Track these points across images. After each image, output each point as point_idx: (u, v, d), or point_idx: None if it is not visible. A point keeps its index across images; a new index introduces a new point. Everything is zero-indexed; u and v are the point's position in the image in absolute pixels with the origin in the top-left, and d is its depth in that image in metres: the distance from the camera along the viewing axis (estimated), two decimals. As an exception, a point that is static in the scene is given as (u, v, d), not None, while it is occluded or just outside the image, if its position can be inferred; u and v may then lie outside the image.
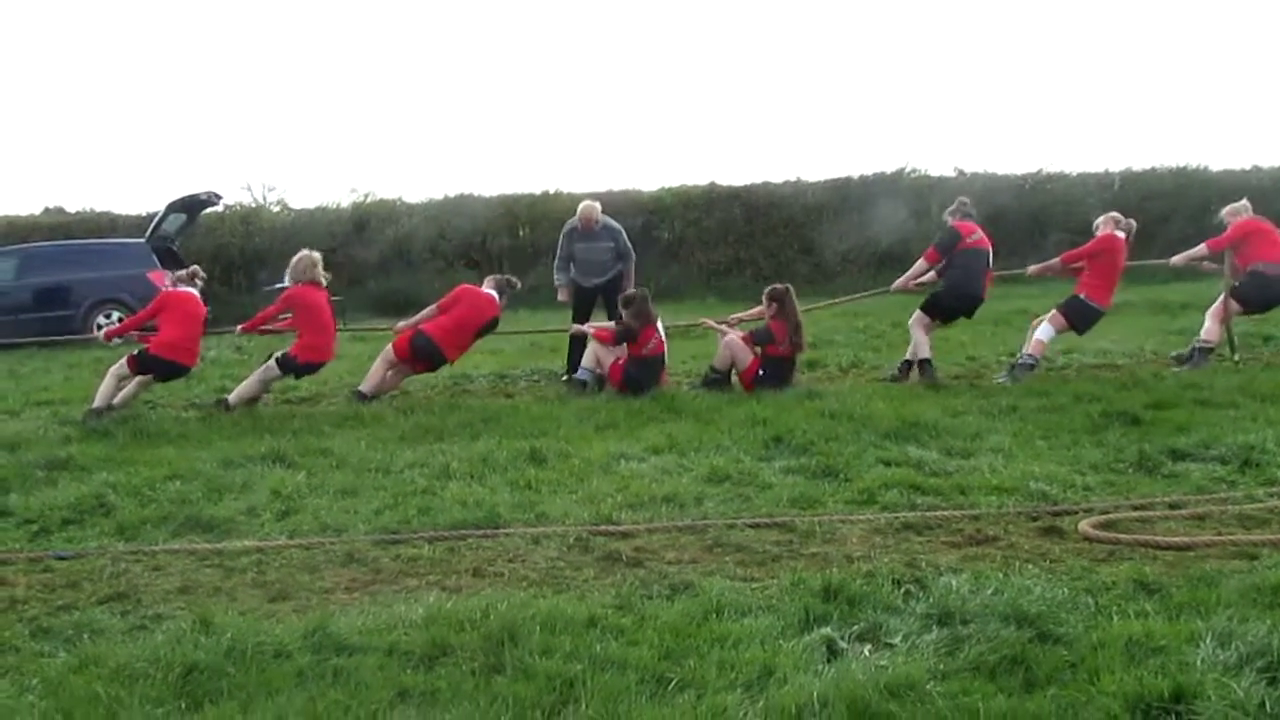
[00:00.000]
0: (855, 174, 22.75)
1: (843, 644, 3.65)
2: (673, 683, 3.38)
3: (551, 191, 22.83)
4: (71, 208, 23.70)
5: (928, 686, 3.24)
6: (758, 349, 9.52)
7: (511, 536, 5.25)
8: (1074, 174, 22.76)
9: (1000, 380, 9.31)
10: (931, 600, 3.99)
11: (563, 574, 4.70)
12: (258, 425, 8.28)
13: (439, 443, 7.43)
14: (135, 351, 9.32)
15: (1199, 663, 3.24)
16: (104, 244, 18.98)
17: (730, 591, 4.24)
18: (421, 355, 9.61)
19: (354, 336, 14.34)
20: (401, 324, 10.10)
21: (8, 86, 48.15)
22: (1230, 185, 21.81)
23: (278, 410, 9.40)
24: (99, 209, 23.36)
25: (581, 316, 10.80)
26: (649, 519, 5.46)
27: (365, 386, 9.49)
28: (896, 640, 3.66)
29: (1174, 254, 10.58)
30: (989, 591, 4.02)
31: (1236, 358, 9.82)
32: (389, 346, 9.68)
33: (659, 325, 9.76)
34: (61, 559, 5.17)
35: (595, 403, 8.65)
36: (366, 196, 23.58)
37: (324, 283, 9.75)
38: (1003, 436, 7.02)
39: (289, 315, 9.70)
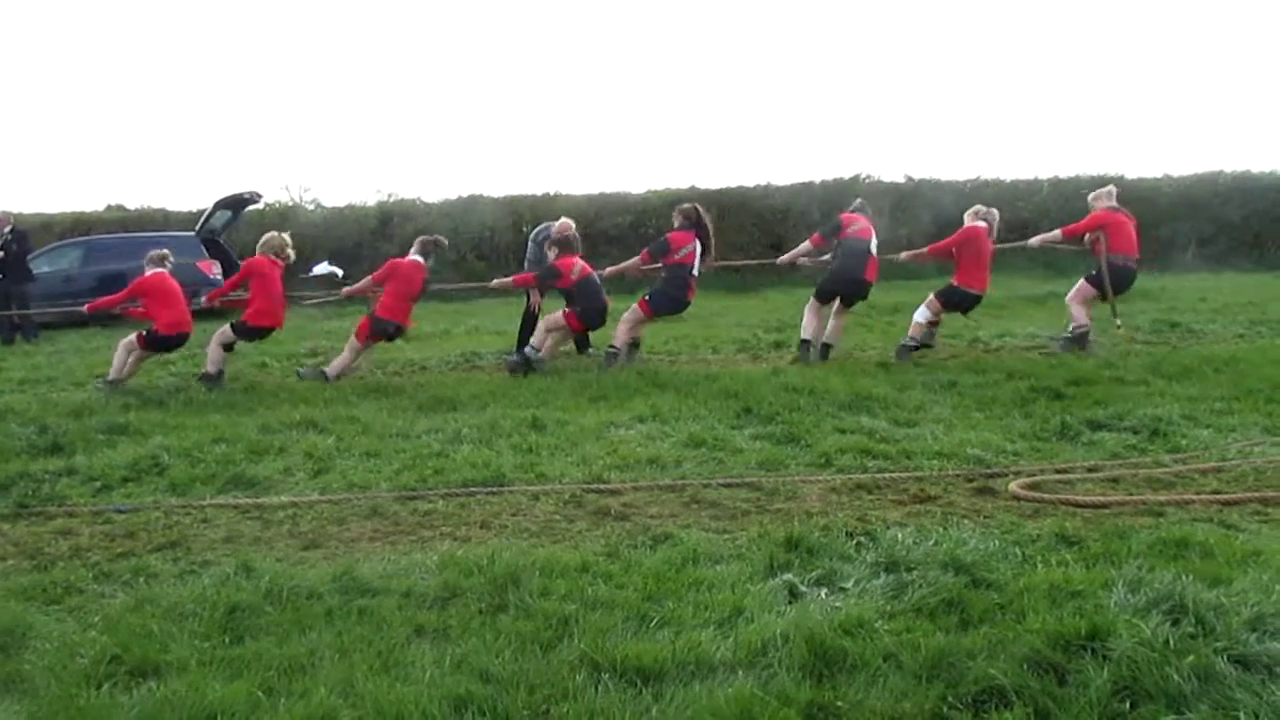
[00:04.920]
0: (817, 179, 22.67)
1: (802, 588, 3.65)
2: (654, 621, 3.38)
3: (552, 193, 22.73)
4: (130, 204, 23.49)
5: (876, 625, 3.25)
6: (659, 261, 9.63)
7: (515, 494, 5.24)
8: (1007, 180, 22.72)
9: (893, 359, 9.36)
10: (880, 550, 3.99)
11: (559, 526, 4.70)
12: (294, 396, 8.24)
13: (452, 412, 7.40)
14: (144, 331, 9.26)
15: (1112, 605, 3.24)
16: (158, 237, 18.81)
17: (705, 542, 4.24)
18: (379, 333, 9.61)
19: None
20: (346, 290, 10.30)
21: (78, 99, 47.79)
22: (1143, 191, 21.84)
23: (311, 384, 9.35)
24: (154, 206, 23.16)
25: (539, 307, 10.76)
26: (635, 479, 5.46)
27: (332, 370, 9.46)
28: (849, 585, 3.66)
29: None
30: (930, 543, 4.03)
31: (1118, 323, 9.79)
32: (352, 337, 9.63)
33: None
34: (121, 512, 5.15)
35: (589, 377, 8.62)
36: (390, 196, 23.42)
37: (287, 261, 9.70)
38: (943, 408, 7.03)
39: (244, 291, 9.59)
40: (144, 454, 6.25)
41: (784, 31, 50.82)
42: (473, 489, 5.34)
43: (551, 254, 9.86)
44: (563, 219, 11.16)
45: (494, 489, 5.33)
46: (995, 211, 9.84)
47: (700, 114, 48.82)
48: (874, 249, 9.72)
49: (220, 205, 17.91)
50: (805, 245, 10.04)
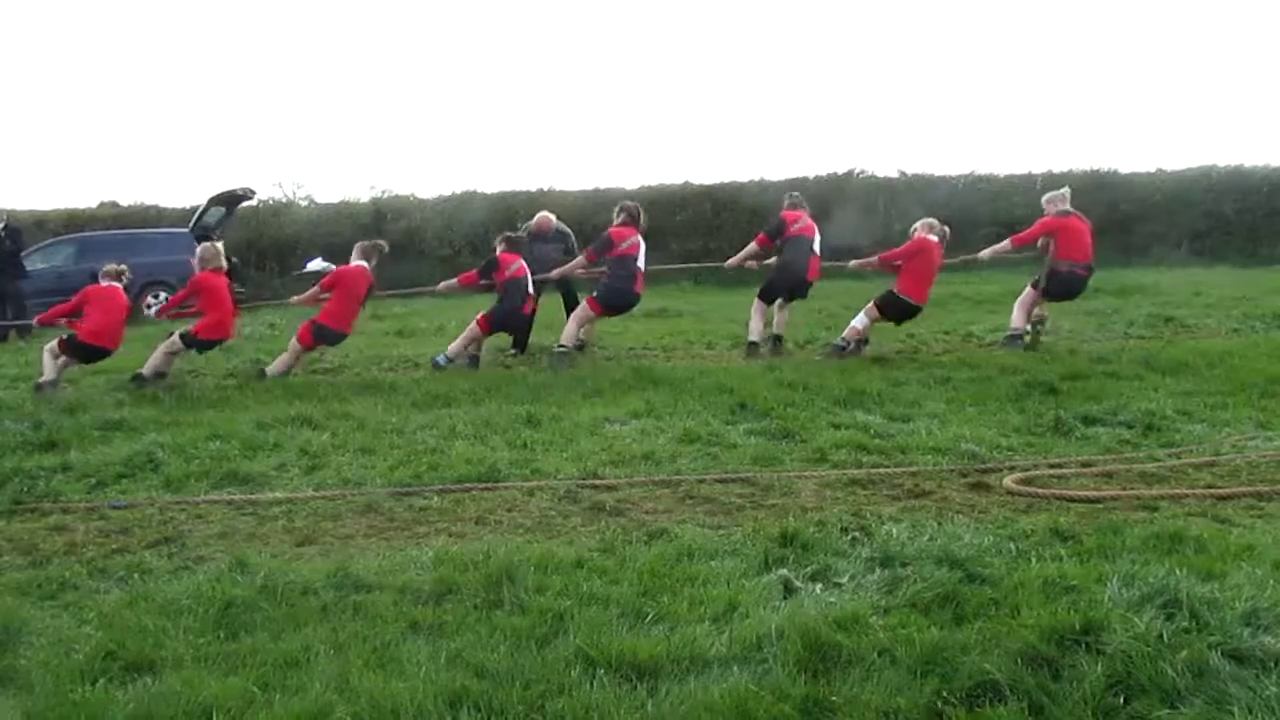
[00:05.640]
0: (811, 174, 22.64)
1: (797, 583, 3.65)
2: (650, 616, 3.38)
3: (546, 189, 22.69)
4: (124, 201, 23.41)
5: (871, 620, 3.25)
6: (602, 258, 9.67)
7: (510, 489, 5.24)
8: (1002, 175, 22.70)
9: (818, 357, 9.40)
10: (875, 545, 4.00)
11: (554, 522, 4.70)
12: (288, 392, 8.23)
13: (447, 408, 7.39)
14: (65, 336, 9.25)
15: (1106, 600, 3.24)
16: (152, 233, 18.79)
17: (700, 537, 4.24)
18: (323, 340, 9.55)
19: (372, 315, 14.27)
20: (295, 298, 10.37)
21: (71, 96, 47.67)
22: (1136, 186, 21.87)
23: (306, 379, 9.34)
24: (148, 202, 23.10)
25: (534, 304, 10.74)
26: (630, 474, 5.46)
27: (273, 369, 9.38)
28: (844, 580, 3.66)
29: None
30: (925, 538, 4.03)
31: (1038, 330, 9.71)
32: (294, 340, 9.55)
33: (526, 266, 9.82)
34: (116, 508, 5.15)
35: (583, 373, 8.62)
36: (384, 192, 23.39)
37: (225, 268, 9.67)
38: (938, 404, 7.04)
39: (194, 300, 9.52)
40: (138, 450, 6.23)
41: (778, 26, 50.80)
42: (468, 485, 5.33)
43: (500, 247, 9.89)
44: (541, 213, 11.23)
45: (489, 485, 5.32)
46: (946, 229, 9.79)
47: (694, 110, 48.79)
48: (816, 247, 9.74)
49: (214, 202, 17.91)
50: (752, 247, 10.09)
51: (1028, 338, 9.48)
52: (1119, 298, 13.86)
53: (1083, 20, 48.30)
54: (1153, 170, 22.69)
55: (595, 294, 9.76)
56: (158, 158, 44.47)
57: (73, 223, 21.36)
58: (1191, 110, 45.12)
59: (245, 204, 19.73)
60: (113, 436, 6.74)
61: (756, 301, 9.81)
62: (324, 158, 46.30)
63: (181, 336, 9.30)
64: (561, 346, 9.52)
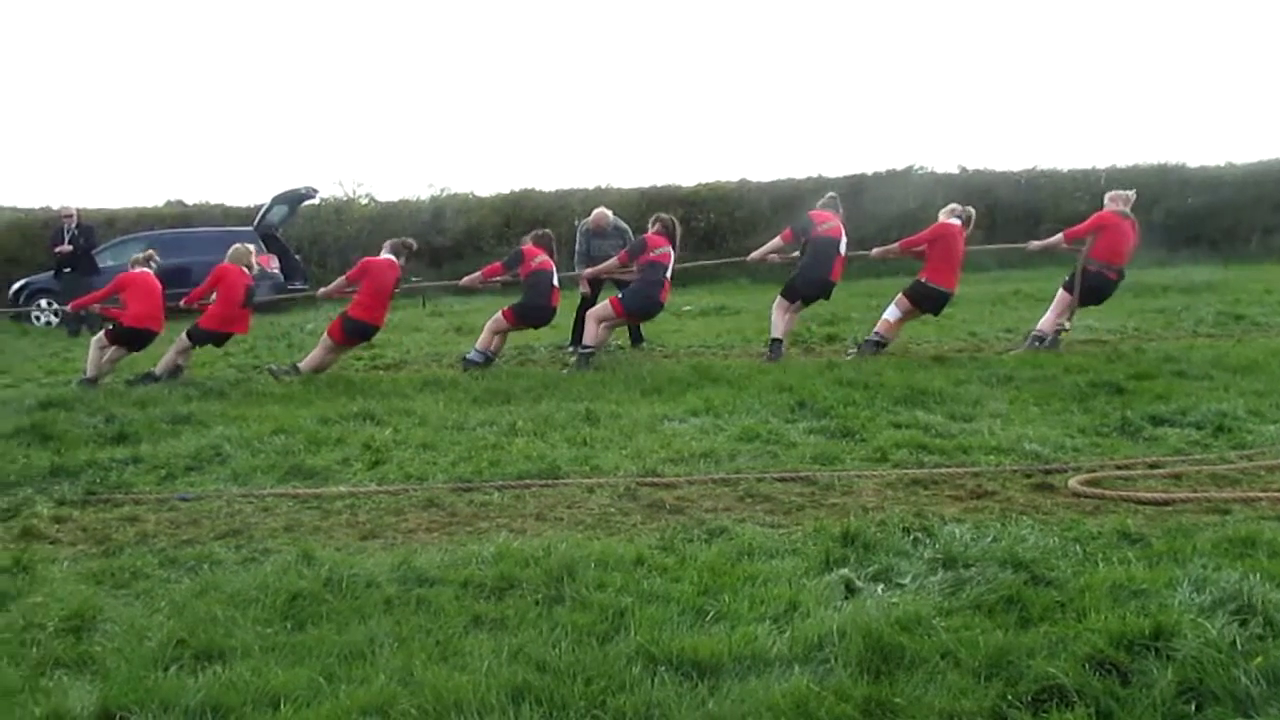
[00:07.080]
0: (869, 170, 22.45)
1: (859, 583, 3.62)
2: (710, 614, 3.38)
3: (603, 187, 22.75)
4: (190, 200, 23.96)
5: (934, 621, 3.21)
6: (633, 263, 9.64)
7: (569, 486, 5.26)
8: (1064, 170, 22.33)
9: (849, 355, 9.31)
10: (937, 546, 3.95)
11: (614, 519, 4.71)
12: (350, 389, 8.35)
13: (507, 404, 7.45)
14: (110, 326, 9.51)
15: (1177, 605, 3.17)
16: (217, 231, 19.16)
17: (760, 536, 4.22)
18: (354, 335, 9.63)
19: (431, 312, 14.44)
20: (321, 290, 10.51)
21: (140, 98, 48.84)
22: (1205, 180, 21.37)
23: (368, 375, 9.48)
24: (213, 201, 23.61)
25: (591, 298, 10.75)
26: (689, 472, 5.45)
27: (305, 365, 9.42)
28: (906, 581, 3.63)
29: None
30: (988, 539, 3.98)
31: (1068, 325, 9.55)
32: (325, 334, 9.65)
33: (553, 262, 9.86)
34: (185, 500, 5.26)
35: (642, 371, 8.63)
36: (442, 190, 23.65)
37: (252, 271, 9.80)
38: (1001, 403, 6.93)
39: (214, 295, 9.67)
40: (206, 444, 6.37)
41: (840, 22, 50.40)
42: (528, 481, 5.37)
43: (526, 241, 9.97)
44: (599, 209, 11.26)
45: (549, 481, 5.35)
46: (971, 210, 9.63)
47: (753, 107, 48.63)
48: (843, 249, 9.59)
49: (278, 200, 18.23)
50: (776, 241, 9.95)
51: (1046, 341, 9.29)
52: (1187, 295, 13.57)
53: (1150, 10, 47.24)
54: (1222, 163, 22.18)
55: (620, 295, 9.74)
56: (223, 157, 45.43)
57: (141, 221, 21.90)
58: (1263, 100, 43.93)
59: (308, 202, 20.06)
60: (181, 430, 6.89)
61: (780, 299, 9.67)
62: (384, 157, 46.90)
63: (188, 333, 9.49)
64: (585, 347, 9.52)
